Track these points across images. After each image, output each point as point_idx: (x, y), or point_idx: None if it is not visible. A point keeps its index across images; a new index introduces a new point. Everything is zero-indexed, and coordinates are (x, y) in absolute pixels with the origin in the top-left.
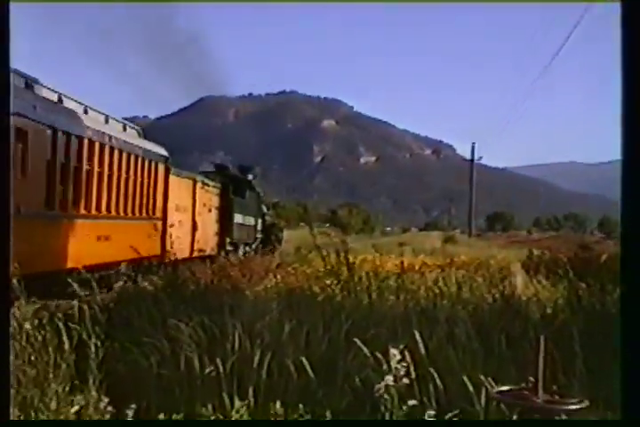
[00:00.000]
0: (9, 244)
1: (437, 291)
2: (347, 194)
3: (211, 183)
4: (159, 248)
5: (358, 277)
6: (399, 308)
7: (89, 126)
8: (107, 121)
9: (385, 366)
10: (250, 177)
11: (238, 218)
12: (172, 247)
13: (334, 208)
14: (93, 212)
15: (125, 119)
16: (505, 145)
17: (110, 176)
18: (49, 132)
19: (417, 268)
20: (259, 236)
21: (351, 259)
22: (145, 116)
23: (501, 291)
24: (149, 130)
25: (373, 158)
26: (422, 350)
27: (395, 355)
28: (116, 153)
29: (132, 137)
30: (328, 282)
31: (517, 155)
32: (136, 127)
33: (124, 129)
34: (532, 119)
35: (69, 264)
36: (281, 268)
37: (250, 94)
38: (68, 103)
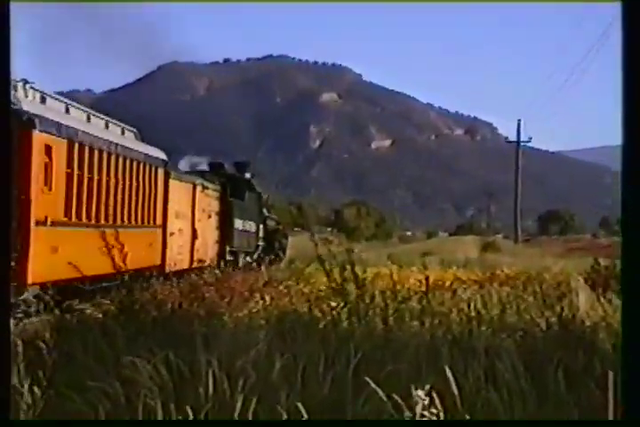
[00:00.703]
0: (9, 246)
1: (474, 314)
2: (354, 189)
3: (210, 186)
4: (160, 258)
5: (370, 296)
6: (424, 336)
7: (99, 137)
8: (107, 126)
9: (407, 413)
10: (248, 175)
11: (238, 224)
12: (172, 257)
13: (338, 207)
14: (102, 221)
15: (61, 94)
16: (553, 124)
17: (115, 184)
18: (70, 145)
19: (447, 284)
20: (260, 243)
21: (361, 273)
22: (88, 90)
23: (558, 313)
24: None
25: (388, 142)
26: (455, 392)
27: (420, 398)
28: (120, 160)
29: (130, 141)
30: (332, 304)
31: (570, 136)
32: (133, 130)
33: (123, 133)
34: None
35: (71, 275)
36: (270, 286)
37: (226, 60)
38: (74, 112)
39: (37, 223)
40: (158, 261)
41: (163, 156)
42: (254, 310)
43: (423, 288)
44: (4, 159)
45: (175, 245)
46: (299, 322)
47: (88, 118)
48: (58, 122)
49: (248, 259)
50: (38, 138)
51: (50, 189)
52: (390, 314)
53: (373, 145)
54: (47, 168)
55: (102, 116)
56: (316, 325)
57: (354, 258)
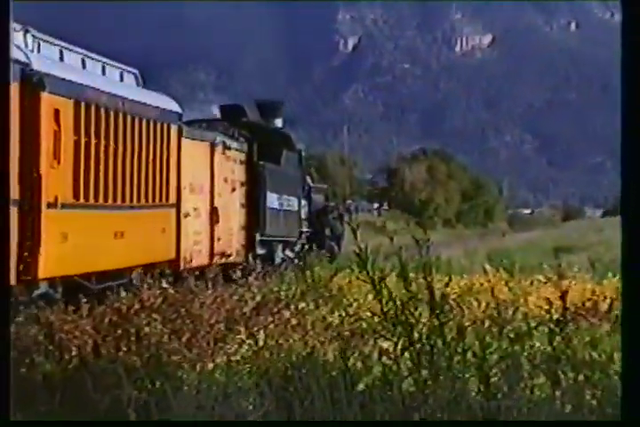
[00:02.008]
0: (8, 244)
1: None
2: (421, 129)
3: (233, 144)
4: (174, 249)
5: (457, 331)
6: (560, 410)
7: (104, 91)
8: (104, 71)
9: None
10: (279, 123)
11: (273, 200)
12: (187, 248)
13: (391, 164)
14: (111, 201)
15: None
16: None
17: (123, 152)
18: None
19: (603, 308)
20: (305, 229)
21: (440, 286)
22: None
23: None
24: None
25: (487, 39)
26: None
27: None
28: (128, 121)
29: (136, 91)
30: (383, 346)
31: None
32: (133, 71)
33: (122, 77)
34: None
35: (81, 269)
36: (268, 311)
37: None
38: (68, 57)
39: (49, 205)
40: (173, 254)
41: (175, 107)
42: (234, 359)
43: (557, 314)
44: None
45: (191, 230)
46: (318, 382)
47: (83, 63)
48: (64, 78)
49: (287, 253)
50: (47, 101)
51: (59, 163)
52: (494, 364)
53: (459, 46)
54: (55, 137)
55: (96, 56)
56: (350, 387)
57: (428, 258)
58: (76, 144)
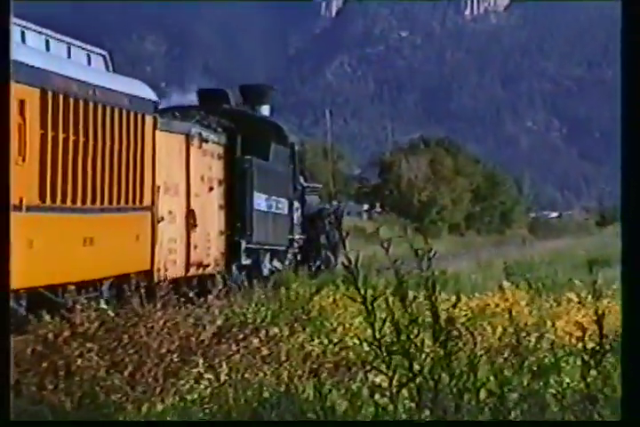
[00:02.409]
0: (8, 244)
1: None
2: (421, 113)
3: (211, 136)
4: (149, 258)
5: (469, 366)
6: None
7: (73, 78)
8: (69, 53)
9: None
10: (266, 110)
11: (260, 201)
12: (162, 257)
13: (384, 156)
14: (79, 203)
15: None
16: None
17: (93, 147)
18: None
19: None
20: (297, 236)
21: (445, 307)
22: None
23: None
24: None
25: (503, 1)
26: None
27: None
28: (99, 110)
29: (106, 76)
30: (375, 381)
31: None
32: (102, 53)
33: (89, 60)
34: None
35: (46, 280)
36: (233, 338)
37: None
38: (31, 38)
39: (13, 208)
40: (147, 264)
41: (150, 94)
42: (190, 399)
43: (592, 343)
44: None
45: (165, 237)
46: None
47: (47, 45)
48: (28, 64)
49: (276, 263)
50: (14, 91)
51: (24, 160)
52: (513, 405)
53: (468, 9)
54: (20, 131)
55: (60, 37)
56: None
57: (431, 272)
58: (43, 139)
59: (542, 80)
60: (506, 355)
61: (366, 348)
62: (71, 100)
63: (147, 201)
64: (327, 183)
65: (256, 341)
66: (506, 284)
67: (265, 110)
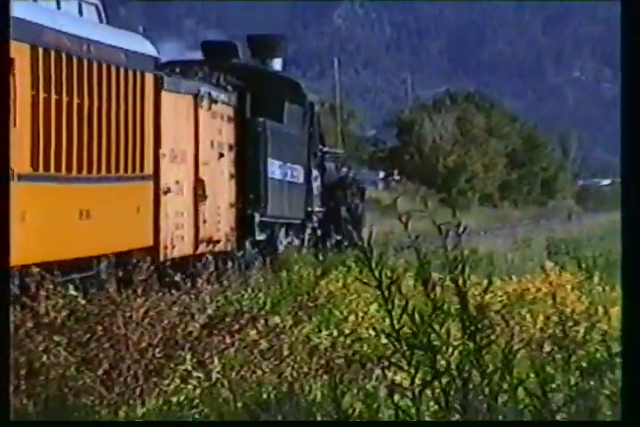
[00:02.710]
0: (8, 241)
1: None
2: (447, 59)
3: (221, 96)
4: (152, 234)
5: (504, 362)
6: None
7: (65, 32)
8: (59, 3)
9: None
10: (278, 64)
11: (274, 169)
12: (168, 233)
13: (403, 115)
14: (75, 171)
15: None
16: None
17: (88, 109)
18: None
19: None
20: (316, 208)
21: (477, 292)
22: None
23: None
24: None
25: None
26: None
27: None
28: (94, 68)
29: (99, 29)
30: (396, 379)
31: None
32: (93, 1)
33: (80, 11)
34: None
35: (41, 257)
36: (227, 328)
37: None
38: None
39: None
40: (150, 240)
41: (151, 49)
42: (176, 400)
43: None
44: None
45: (171, 210)
46: None
47: None
48: (17, 17)
49: (292, 239)
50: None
51: (14, 125)
52: (558, 408)
53: None
54: (9, 91)
55: None
56: None
57: (459, 251)
58: (34, 101)
59: (592, 21)
60: (549, 349)
61: (383, 340)
62: (64, 58)
63: (148, 169)
64: (334, 146)
65: (253, 332)
66: (549, 264)
67: (277, 64)
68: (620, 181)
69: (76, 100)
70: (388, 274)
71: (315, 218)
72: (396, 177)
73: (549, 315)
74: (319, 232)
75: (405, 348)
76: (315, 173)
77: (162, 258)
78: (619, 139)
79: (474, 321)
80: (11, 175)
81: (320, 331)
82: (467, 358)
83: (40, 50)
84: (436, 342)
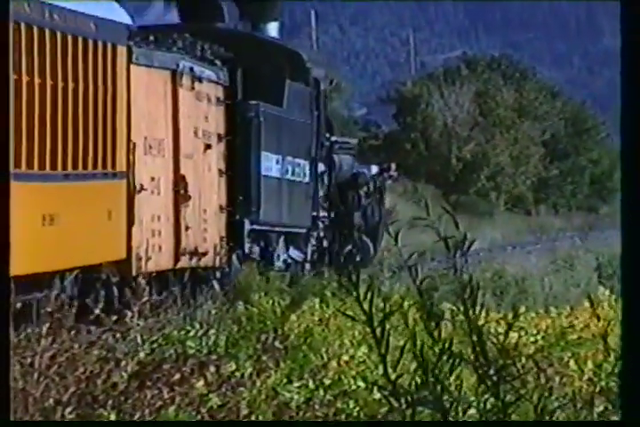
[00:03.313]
0: (8, 243)
1: None
2: (462, 10)
3: (206, 73)
4: (124, 243)
5: (535, 417)
6: None
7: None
8: None
9: None
10: (272, 30)
11: (270, 164)
12: (142, 242)
13: (403, 86)
14: (35, 167)
15: None
16: None
17: (52, 91)
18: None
19: None
20: (322, 214)
21: (500, 329)
22: None
23: None
24: None
25: None
26: None
27: None
28: (59, 41)
29: None
30: None
31: None
32: None
33: None
34: None
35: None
36: (161, 380)
37: None
38: None
39: None
40: (122, 252)
41: (124, 17)
42: None
43: None
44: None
45: (147, 214)
46: None
47: None
48: None
49: (293, 252)
50: None
51: None
52: None
53: None
54: None
55: None
56: None
57: (469, 274)
58: (17, 85)
59: None
60: (601, 408)
61: (376, 395)
62: (22, 28)
63: (121, 164)
64: None
65: (201, 384)
66: (600, 291)
67: (272, 30)
68: None
69: (36, 80)
70: (381, 305)
71: (320, 225)
72: (394, 173)
73: (601, 361)
74: (325, 243)
75: (405, 404)
76: (321, 168)
77: (134, 272)
78: None
79: (494, 369)
80: None
81: (291, 382)
82: (486, 417)
83: (22, 25)
84: (444, 397)
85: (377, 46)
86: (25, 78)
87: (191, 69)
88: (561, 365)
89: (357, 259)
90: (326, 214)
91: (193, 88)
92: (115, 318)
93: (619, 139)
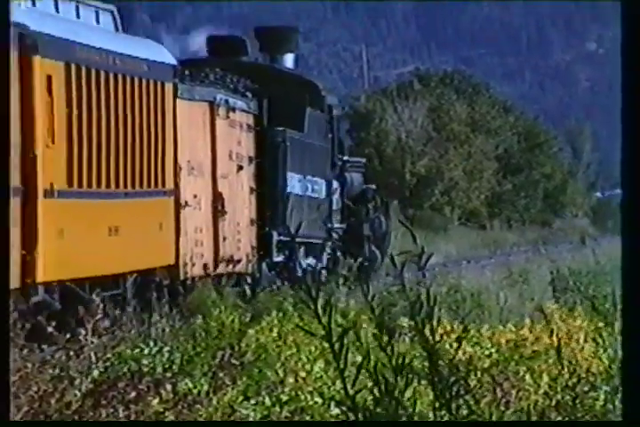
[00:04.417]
0: (8, 245)
1: None
2: (415, 23)
3: (239, 103)
4: (173, 251)
5: None
6: None
7: (95, 47)
8: (78, 13)
9: None
10: (289, 61)
11: (294, 183)
12: (188, 250)
13: (360, 100)
14: (104, 187)
15: None
16: None
17: (115, 122)
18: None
19: None
20: (336, 225)
21: (453, 343)
22: None
23: None
24: None
25: None
26: None
27: None
28: (120, 82)
29: (119, 39)
30: None
31: None
32: (109, 9)
33: (98, 19)
34: None
35: (77, 273)
36: (116, 397)
37: None
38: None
39: (46, 194)
40: (171, 258)
41: (169, 58)
42: None
43: None
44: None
45: (191, 226)
46: None
47: (56, 5)
48: (54, 36)
49: (311, 260)
50: (41, 66)
51: (53, 142)
52: None
53: None
54: (49, 109)
55: None
56: None
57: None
58: (69, 117)
59: None
60: (556, 421)
61: (334, 410)
62: (93, 73)
63: (170, 183)
64: None
65: (156, 402)
66: (554, 306)
67: (288, 60)
68: None
69: (103, 115)
70: (339, 320)
71: (334, 236)
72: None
73: (556, 375)
74: (339, 252)
75: (362, 419)
76: (334, 185)
77: (182, 277)
78: None
79: (448, 384)
80: (51, 191)
81: (247, 399)
82: None
83: (73, 66)
84: (400, 412)
85: (330, 61)
86: (95, 113)
87: (226, 101)
88: (516, 378)
89: (366, 266)
90: (339, 226)
91: (228, 117)
92: (67, 335)
93: (570, 152)
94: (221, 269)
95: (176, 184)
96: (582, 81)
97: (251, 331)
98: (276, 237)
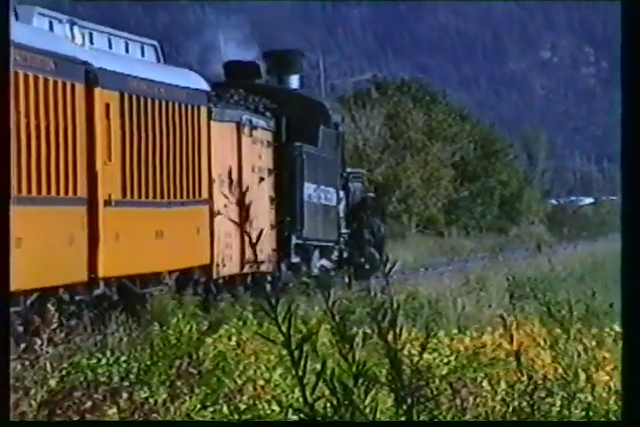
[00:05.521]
0: (8, 244)
1: None
2: (371, 29)
3: (260, 122)
4: (208, 253)
5: None
6: None
7: (143, 78)
8: (127, 48)
9: None
10: (294, 82)
11: (310, 192)
12: (220, 253)
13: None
14: (151, 197)
15: None
16: None
17: (160, 142)
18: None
19: None
20: (343, 230)
21: (413, 351)
22: None
23: None
24: None
25: None
26: None
27: None
28: (163, 107)
29: (162, 70)
30: None
31: None
32: (153, 44)
33: (143, 53)
34: None
35: (131, 270)
36: (72, 408)
37: None
38: (97, 38)
39: (105, 203)
40: (207, 259)
41: (204, 85)
42: None
43: None
44: (5, 164)
45: (222, 231)
46: None
47: (109, 43)
48: (111, 70)
49: (324, 262)
50: (100, 96)
51: (110, 160)
52: None
53: None
54: (107, 132)
55: (117, 32)
56: None
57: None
58: (122, 138)
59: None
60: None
61: (292, 417)
62: (142, 100)
63: (205, 194)
64: None
65: (113, 411)
66: (510, 313)
67: (294, 81)
68: (608, 199)
69: (150, 136)
70: (299, 327)
71: (342, 240)
72: None
73: (513, 382)
74: (345, 254)
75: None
76: (341, 194)
77: (215, 276)
78: (605, 142)
79: (409, 390)
80: (110, 201)
81: (205, 407)
82: None
83: (126, 95)
84: (360, 419)
85: None
86: (144, 134)
87: (250, 121)
88: (474, 385)
89: (367, 267)
90: (345, 231)
91: (251, 135)
92: (22, 345)
93: (525, 159)
94: (247, 269)
95: (210, 195)
96: (537, 89)
97: (209, 339)
98: (294, 240)
